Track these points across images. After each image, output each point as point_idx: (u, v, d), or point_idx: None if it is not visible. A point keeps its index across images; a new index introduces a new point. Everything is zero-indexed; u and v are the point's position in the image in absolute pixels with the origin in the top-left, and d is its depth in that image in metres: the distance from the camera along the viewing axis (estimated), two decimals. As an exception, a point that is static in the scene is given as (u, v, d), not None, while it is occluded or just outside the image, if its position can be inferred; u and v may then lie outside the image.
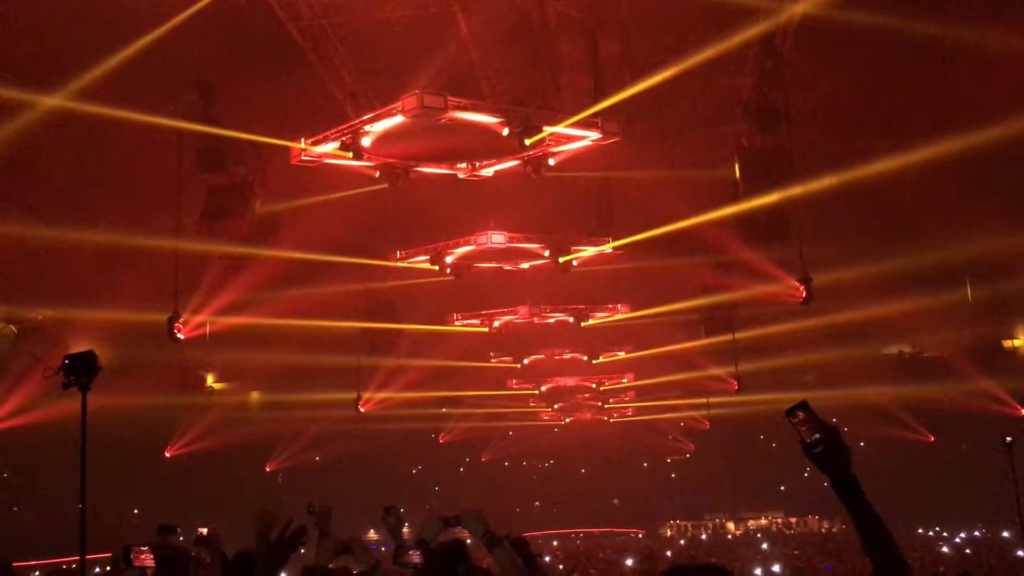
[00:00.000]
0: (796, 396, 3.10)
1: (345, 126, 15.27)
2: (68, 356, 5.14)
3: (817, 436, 2.86)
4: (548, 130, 15.19)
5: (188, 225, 17.63)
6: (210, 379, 27.74)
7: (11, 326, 24.01)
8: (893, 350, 29.68)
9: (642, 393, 37.32)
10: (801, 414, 2.90)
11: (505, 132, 14.96)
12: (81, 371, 5.11)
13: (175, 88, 15.66)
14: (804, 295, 18.17)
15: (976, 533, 35.46)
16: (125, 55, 13.27)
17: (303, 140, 15.52)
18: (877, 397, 32.01)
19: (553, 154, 16.19)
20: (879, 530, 2.81)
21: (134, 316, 19.80)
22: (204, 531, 5.60)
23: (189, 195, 17.29)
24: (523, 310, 25.83)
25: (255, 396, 31.40)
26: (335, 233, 19.98)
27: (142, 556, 4.50)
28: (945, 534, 37.07)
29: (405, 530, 5.90)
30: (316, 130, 15.59)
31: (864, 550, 2.84)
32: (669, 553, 22.83)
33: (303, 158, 15.65)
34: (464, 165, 17.04)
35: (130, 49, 13.18)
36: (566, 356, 31.05)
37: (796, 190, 16.93)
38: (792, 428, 2.92)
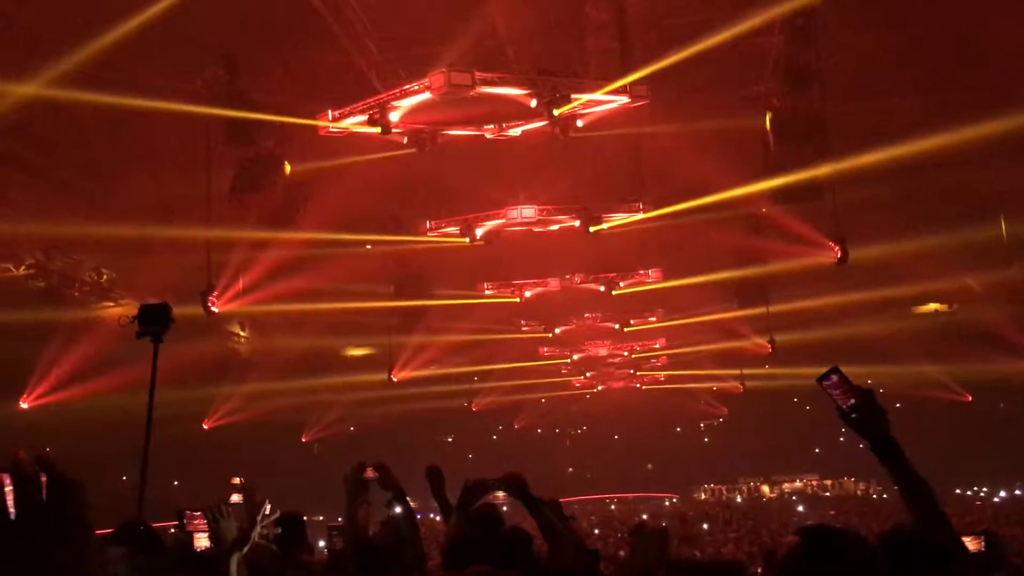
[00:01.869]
0: (831, 359, 3.07)
1: (372, 100, 15.22)
2: (143, 306, 5.27)
3: (853, 402, 2.83)
4: (577, 100, 15.05)
5: (218, 198, 17.69)
6: (243, 345, 28.01)
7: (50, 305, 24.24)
8: (929, 309, 29.31)
9: (674, 358, 37.19)
10: (834, 377, 2.88)
11: (533, 104, 14.85)
12: (155, 321, 5.23)
13: (199, 60, 15.61)
14: (839, 255, 17.97)
15: (1017, 492, 35.19)
16: (147, 24, 13.12)
17: (330, 112, 15.50)
18: (913, 357, 31.65)
19: (581, 115, 16.02)
20: (921, 489, 2.79)
21: (169, 289, 19.94)
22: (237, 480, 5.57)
23: (219, 168, 17.35)
24: (553, 282, 25.69)
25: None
26: (364, 203, 19.92)
27: (195, 520, 4.54)
28: (983, 493, 36.85)
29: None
30: (343, 100, 15.54)
31: (908, 509, 2.82)
32: (706, 526, 22.76)
33: (331, 130, 15.68)
34: (492, 126, 16.95)
35: (151, 12, 13.00)
36: (598, 324, 30.94)
37: (830, 152, 16.69)
38: (825, 394, 2.89)
